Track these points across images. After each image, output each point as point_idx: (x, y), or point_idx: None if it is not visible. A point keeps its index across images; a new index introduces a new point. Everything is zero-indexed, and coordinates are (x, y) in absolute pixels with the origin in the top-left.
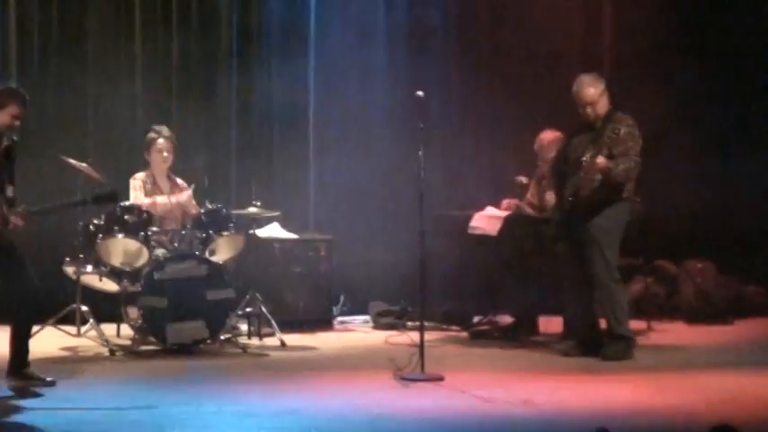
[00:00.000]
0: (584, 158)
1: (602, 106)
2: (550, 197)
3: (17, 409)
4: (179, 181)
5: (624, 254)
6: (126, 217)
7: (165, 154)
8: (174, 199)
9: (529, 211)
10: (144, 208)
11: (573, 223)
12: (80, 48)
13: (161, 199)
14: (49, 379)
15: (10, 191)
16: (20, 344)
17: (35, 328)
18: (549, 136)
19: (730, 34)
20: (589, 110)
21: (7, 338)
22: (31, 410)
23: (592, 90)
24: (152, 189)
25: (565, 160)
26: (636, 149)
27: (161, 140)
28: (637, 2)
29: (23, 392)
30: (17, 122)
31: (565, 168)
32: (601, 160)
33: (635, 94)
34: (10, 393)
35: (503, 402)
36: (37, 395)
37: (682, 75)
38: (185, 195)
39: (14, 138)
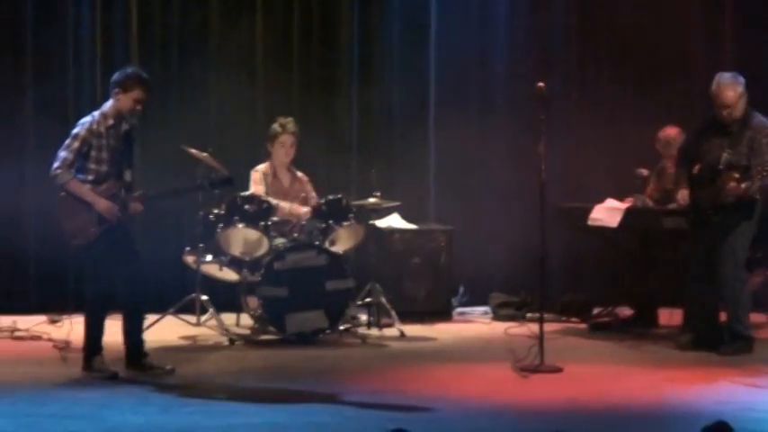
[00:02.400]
0: (721, 165)
1: (740, 108)
2: (682, 197)
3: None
4: (299, 174)
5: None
6: (246, 207)
7: (289, 148)
8: (297, 208)
9: (650, 203)
10: (265, 198)
11: (709, 225)
12: (202, 42)
13: (284, 204)
14: (168, 367)
15: (128, 175)
16: (135, 335)
17: (155, 317)
18: (671, 132)
19: None
20: (726, 112)
21: (120, 328)
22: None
23: (731, 93)
24: (273, 182)
25: (697, 158)
26: None
27: (285, 135)
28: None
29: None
30: (139, 107)
31: (696, 167)
32: (736, 187)
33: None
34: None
35: (622, 394)
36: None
37: None
38: (303, 210)
39: (135, 122)
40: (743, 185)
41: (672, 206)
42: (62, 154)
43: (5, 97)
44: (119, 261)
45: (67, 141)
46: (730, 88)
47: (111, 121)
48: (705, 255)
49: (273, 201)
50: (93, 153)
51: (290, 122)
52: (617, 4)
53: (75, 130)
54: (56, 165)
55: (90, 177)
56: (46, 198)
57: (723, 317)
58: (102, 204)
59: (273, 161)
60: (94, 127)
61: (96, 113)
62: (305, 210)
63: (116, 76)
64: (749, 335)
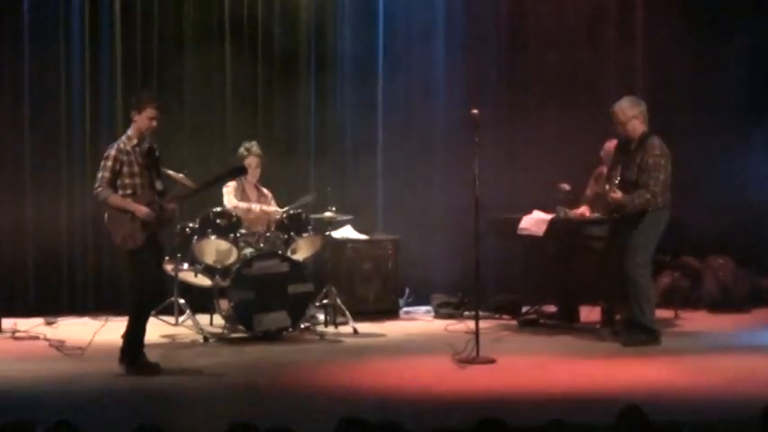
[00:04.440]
0: (607, 186)
1: (636, 129)
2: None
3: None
4: (265, 191)
5: (654, 251)
6: (218, 221)
7: (254, 169)
8: (266, 208)
9: (570, 214)
10: (234, 213)
11: (618, 229)
12: (177, 71)
13: (255, 206)
14: (153, 362)
15: (159, 184)
16: (141, 332)
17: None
18: (610, 145)
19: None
20: (619, 129)
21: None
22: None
23: (620, 112)
24: (241, 197)
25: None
26: (660, 178)
27: (251, 157)
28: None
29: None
30: (155, 122)
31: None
32: (616, 196)
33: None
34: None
35: (548, 382)
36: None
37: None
38: (273, 208)
39: (153, 143)
40: (617, 196)
41: (592, 216)
42: (100, 174)
43: None
44: (147, 266)
45: (102, 163)
46: (622, 108)
47: (135, 141)
48: (619, 257)
49: (246, 204)
50: (125, 169)
51: (254, 146)
52: (541, 39)
53: (107, 152)
54: (96, 185)
55: (128, 191)
56: (45, 209)
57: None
58: (141, 211)
59: (242, 180)
60: (122, 146)
61: (123, 137)
62: (274, 209)
63: (132, 101)
64: (654, 328)
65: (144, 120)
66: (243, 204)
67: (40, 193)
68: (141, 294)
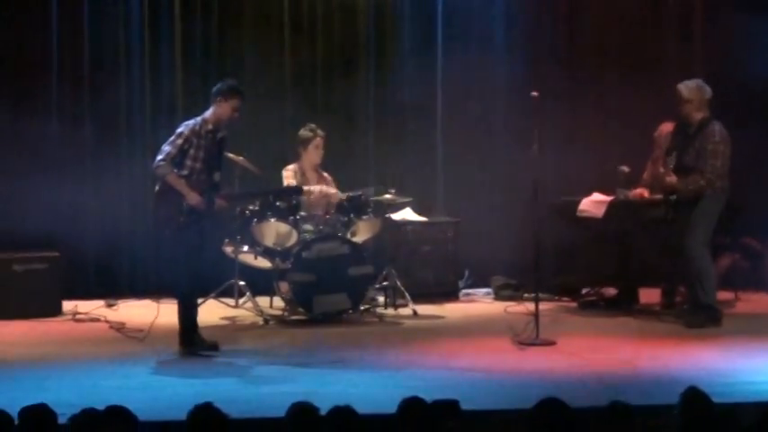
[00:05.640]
0: (662, 169)
1: (697, 112)
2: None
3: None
4: (325, 174)
5: (714, 233)
6: (278, 203)
7: (321, 150)
8: (326, 189)
9: (630, 196)
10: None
11: (677, 211)
12: (237, 57)
13: (315, 188)
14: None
15: (217, 176)
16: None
17: (199, 300)
18: (666, 127)
19: None
20: (681, 109)
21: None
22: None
23: (686, 90)
24: (301, 180)
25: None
26: (717, 164)
27: (317, 138)
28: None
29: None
30: (236, 115)
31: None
32: (671, 180)
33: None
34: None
35: (608, 364)
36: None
37: None
38: (333, 190)
39: (226, 133)
40: (672, 180)
41: (651, 197)
42: (167, 148)
43: None
44: (192, 253)
45: (172, 138)
46: (688, 88)
47: (210, 126)
48: (678, 236)
49: (307, 187)
50: (191, 151)
51: (317, 127)
52: (601, 15)
53: (179, 129)
54: (160, 157)
55: (184, 172)
56: (105, 191)
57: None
58: (193, 197)
59: (302, 162)
60: (197, 128)
61: (199, 118)
62: (333, 191)
63: (219, 87)
64: (716, 307)
65: (227, 108)
66: (313, 188)
67: (100, 175)
68: (183, 279)
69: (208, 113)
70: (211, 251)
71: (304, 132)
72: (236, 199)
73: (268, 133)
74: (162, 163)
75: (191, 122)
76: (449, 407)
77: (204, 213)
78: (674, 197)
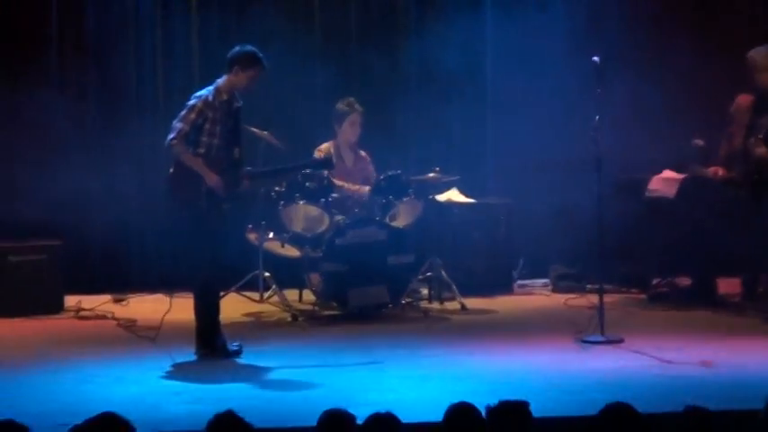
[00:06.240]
0: (751, 139)
1: None
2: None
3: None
4: (362, 153)
5: None
6: (307, 183)
7: (358, 126)
8: (358, 190)
9: (707, 173)
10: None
11: (760, 191)
12: (262, 27)
13: (351, 187)
14: (236, 345)
15: (237, 152)
16: (213, 313)
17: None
18: (744, 100)
19: None
20: (757, 78)
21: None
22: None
23: (760, 59)
24: (337, 161)
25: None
26: None
27: (354, 113)
28: None
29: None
30: (253, 85)
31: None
32: (761, 150)
33: None
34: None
35: (681, 364)
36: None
37: None
38: (366, 190)
39: (241, 103)
40: (763, 151)
41: (729, 175)
42: (178, 125)
43: None
44: (209, 242)
45: (183, 113)
46: (760, 54)
47: (224, 96)
48: (761, 220)
49: (341, 184)
50: (207, 126)
51: (355, 102)
52: None
53: (190, 102)
54: (171, 135)
55: (201, 151)
56: (114, 176)
57: None
58: (212, 178)
59: (338, 140)
60: (210, 99)
61: (211, 88)
62: (367, 188)
63: (235, 54)
64: None
65: (243, 78)
66: (336, 182)
67: (107, 155)
68: (202, 270)
69: (221, 82)
70: (233, 239)
71: (340, 106)
72: (260, 177)
73: (295, 106)
74: (174, 142)
75: (203, 93)
76: (510, 411)
77: (225, 196)
78: (756, 176)
